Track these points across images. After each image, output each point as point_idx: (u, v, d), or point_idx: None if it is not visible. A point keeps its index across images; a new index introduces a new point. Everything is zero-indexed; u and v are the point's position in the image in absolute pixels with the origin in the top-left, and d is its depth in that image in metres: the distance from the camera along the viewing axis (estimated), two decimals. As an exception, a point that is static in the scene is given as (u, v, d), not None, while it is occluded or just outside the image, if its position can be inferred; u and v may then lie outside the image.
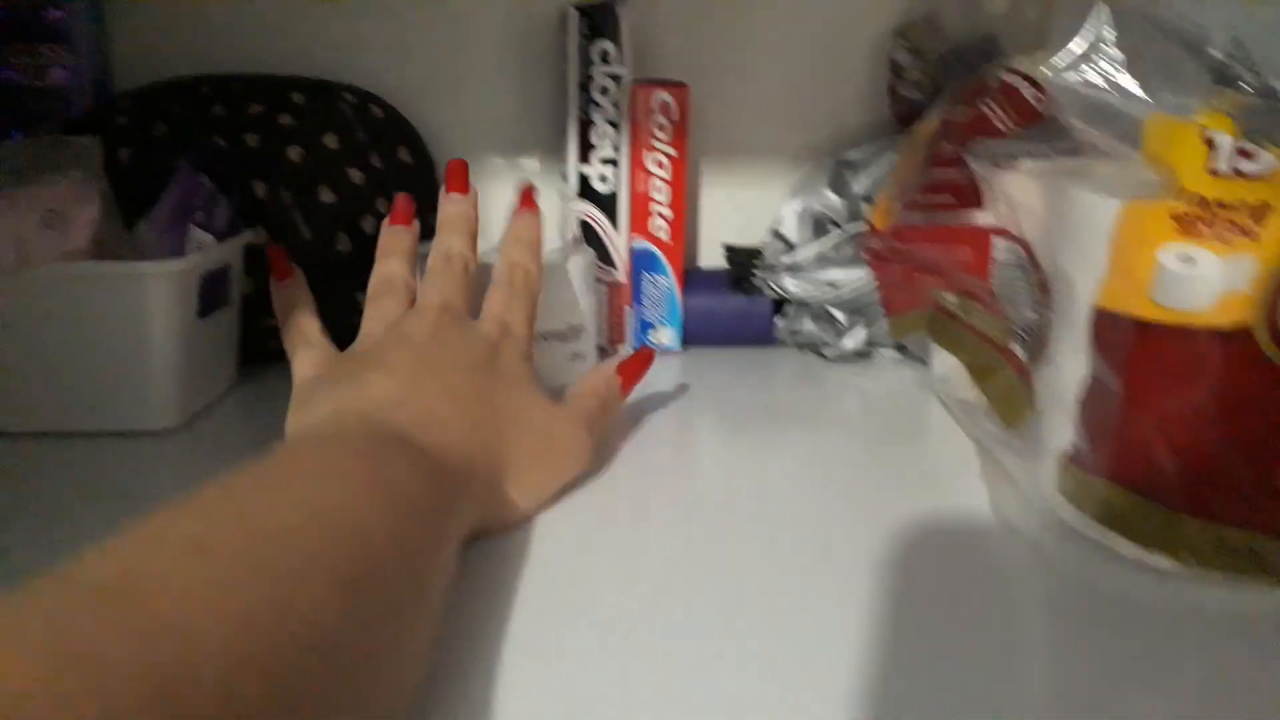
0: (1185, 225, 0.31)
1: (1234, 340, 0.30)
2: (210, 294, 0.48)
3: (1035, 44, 0.44)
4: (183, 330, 0.46)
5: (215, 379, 0.51)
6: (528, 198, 0.49)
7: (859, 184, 0.62)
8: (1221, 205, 0.30)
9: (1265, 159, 0.30)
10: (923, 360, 0.60)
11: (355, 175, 0.57)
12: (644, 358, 0.48)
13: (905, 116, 0.62)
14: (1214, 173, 0.31)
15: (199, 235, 0.46)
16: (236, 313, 0.53)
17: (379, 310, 0.43)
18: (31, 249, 0.43)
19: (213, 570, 0.22)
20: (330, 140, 0.57)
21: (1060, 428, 0.36)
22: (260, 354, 0.56)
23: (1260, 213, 0.30)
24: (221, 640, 0.20)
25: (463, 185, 0.47)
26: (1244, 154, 0.31)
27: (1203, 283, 0.30)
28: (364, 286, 0.54)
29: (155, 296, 0.44)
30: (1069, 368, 0.35)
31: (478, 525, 0.36)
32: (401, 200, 0.47)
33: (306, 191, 0.56)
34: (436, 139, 0.64)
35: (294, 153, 0.56)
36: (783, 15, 0.65)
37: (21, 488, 0.40)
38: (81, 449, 0.44)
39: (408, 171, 0.60)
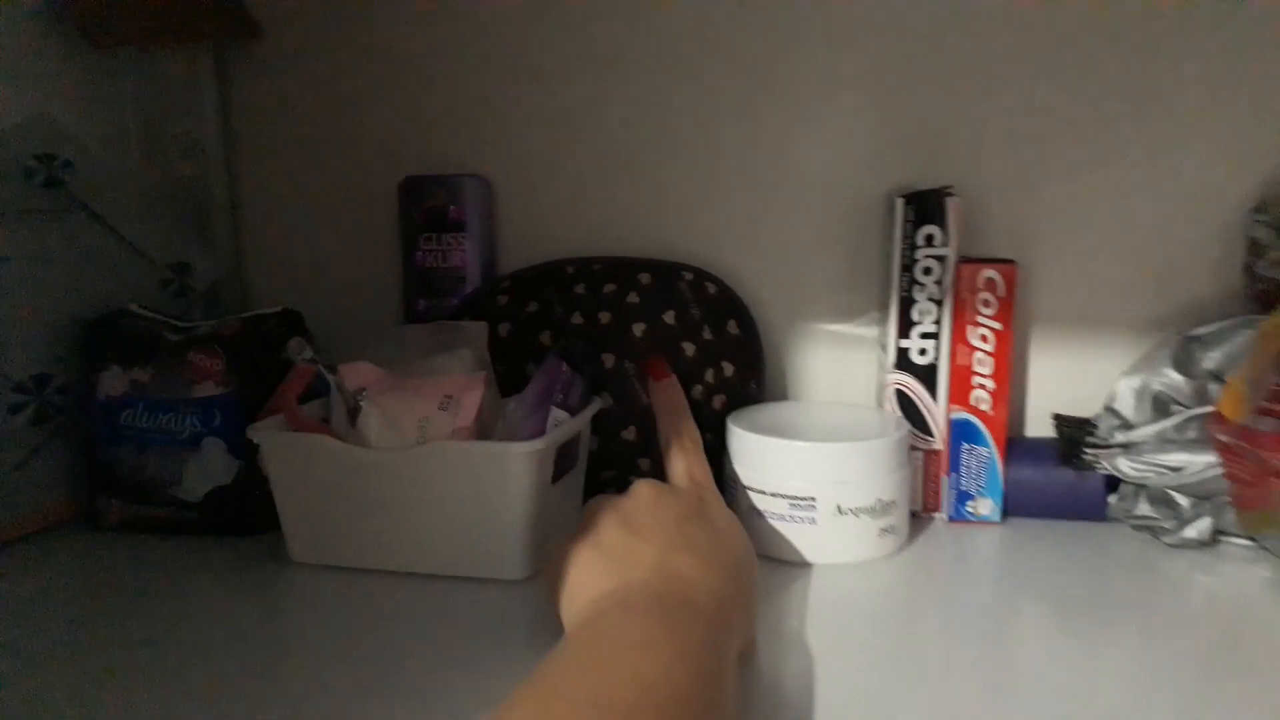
0: None
1: None
2: (563, 461, 0.56)
3: None
4: (538, 496, 0.53)
5: (561, 531, 0.59)
6: (660, 369, 0.58)
7: (1208, 361, 0.59)
8: None
9: None
10: (1278, 557, 0.55)
11: (689, 348, 0.64)
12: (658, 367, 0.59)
13: (1265, 297, 0.58)
14: None
15: (558, 414, 0.54)
16: (583, 471, 0.61)
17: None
18: (431, 428, 0.53)
19: None
20: (669, 317, 0.64)
21: None
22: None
23: None
24: None
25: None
26: None
27: None
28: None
29: (519, 470, 0.52)
30: None
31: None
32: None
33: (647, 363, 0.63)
34: (763, 311, 0.69)
35: (638, 329, 0.63)
36: (1122, 187, 0.64)
37: (390, 616, 0.49)
38: (442, 589, 0.53)
39: (735, 343, 0.65)
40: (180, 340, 0.62)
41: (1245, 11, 0.61)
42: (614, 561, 0.43)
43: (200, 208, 0.75)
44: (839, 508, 0.55)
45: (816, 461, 0.55)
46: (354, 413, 0.54)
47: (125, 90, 0.69)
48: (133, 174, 0.69)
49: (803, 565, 0.56)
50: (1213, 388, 0.58)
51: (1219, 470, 0.55)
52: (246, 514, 0.61)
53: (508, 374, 0.64)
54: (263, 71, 0.75)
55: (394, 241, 0.74)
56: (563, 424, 0.54)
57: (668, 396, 0.58)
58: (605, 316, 0.64)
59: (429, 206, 0.70)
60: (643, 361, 0.63)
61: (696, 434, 0.55)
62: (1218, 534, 0.58)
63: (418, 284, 0.71)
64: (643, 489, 0.48)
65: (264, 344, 0.62)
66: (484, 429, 0.55)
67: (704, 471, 0.52)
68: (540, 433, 0.53)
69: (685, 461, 0.52)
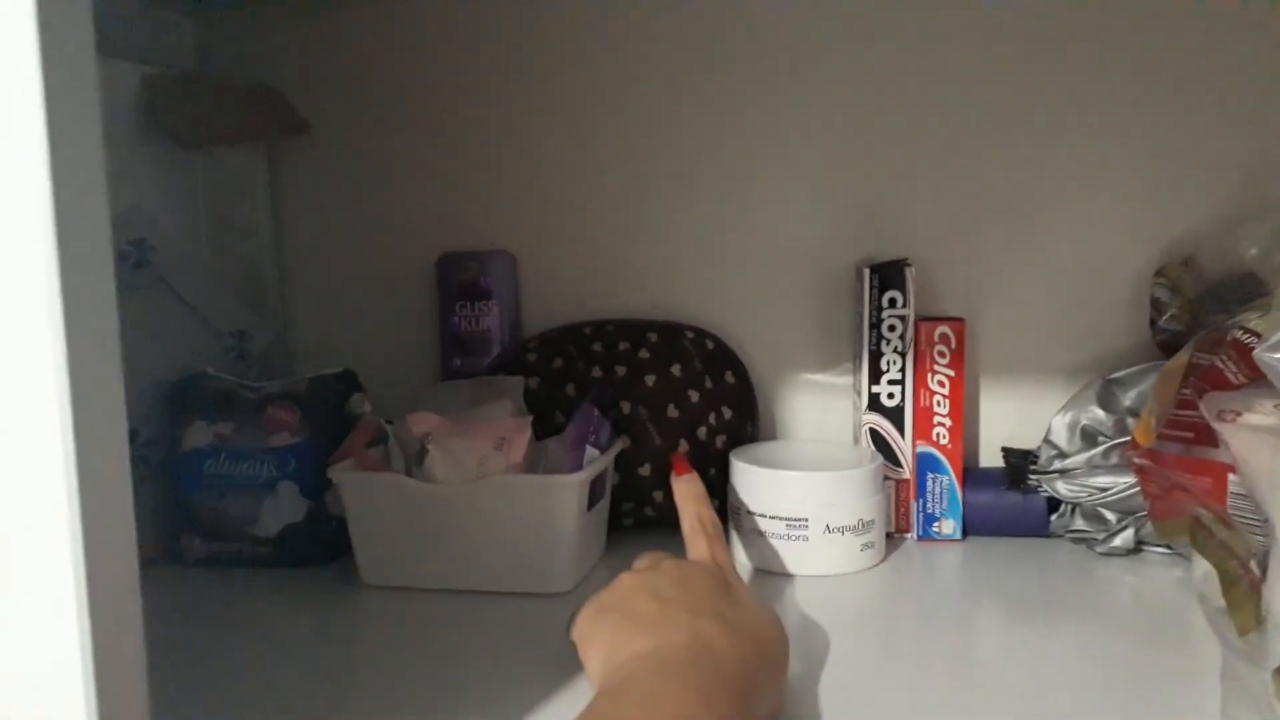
0: (1359, 494, 0.39)
1: (1407, 589, 0.38)
2: (595, 492, 0.66)
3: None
4: (578, 520, 0.63)
5: (593, 552, 0.69)
6: (681, 465, 0.63)
7: (1125, 400, 0.71)
8: (1388, 480, 0.39)
9: None
10: (1189, 560, 0.66)
11: (693, 395, 0.74)
12: (679, 465, 0.63)
13: (1166, 345, 0.70)
14: (1383, 453, 0.39)
15: (591, 452, 0.65)
16: (608, 502, 0.71)
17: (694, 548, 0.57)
18: (488, 464, 0.63)
19: None
20: (675, 369, 0.75)
21: (1276, 643, 0.44)
22: (618, 528, 0.73)
23: None
24: None
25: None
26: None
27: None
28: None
29: (563, 499, 0.62)
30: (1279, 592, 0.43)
31: None
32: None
33: (658, 409, 0.74)
34: (755, 363, 0.80)
35: (650, 379, 0.74)
36: (1051, 256, 0.77)
37: (455, 628, 0.59)
38: (498, 604, 0.62)
39: (732, 390, 0.76)
40: (256, 398, 0.72)
41: (1142, 111, 0.74)
42: (647, 624, 0.45)
43: (255, 282, 0.85)
44: (828, 527, 0.66)
45: (808, 488, 0.66)
46: (421, 454, 0.64)
47: (196, 183, 0.79)
48: (201, 255, 0.79)
49: (798, 577, 0.67)
50: (1130, 421, 0.69)
51: (1137, 489, 0.66)
52: (316, 546, 0.70)
53: (538, 421, 0.74)
54: (310, 162, 0.86)
55: (430, 309, 0.84)
56: (596, 460, 0.65)
57: (689, 489, 0.60)
58: (621, 370, 0.75)
59: (462, 279, 0.81)
60: (666, 457, 0.70)
61: (718, 521, 0.58)
62: (1140, 543, 0.69)
63: (453, 346, 0.82)
64: (668, 564, 0.51)
65: (330, 399, 0.72)
66: (526, 467, 0.66)
67: (725, 555, 0.55)
68: (579, 468, 0.63)
69: (708, 545, 0.55)
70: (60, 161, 0.30)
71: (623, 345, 0.76)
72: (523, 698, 0.50)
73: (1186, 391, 0.56)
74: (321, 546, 0.70)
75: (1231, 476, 0.51)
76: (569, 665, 0.51)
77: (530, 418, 0.66)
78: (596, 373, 0.75)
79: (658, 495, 0.73)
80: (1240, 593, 0.51)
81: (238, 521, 0.70)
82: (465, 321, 0.81)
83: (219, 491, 0.70)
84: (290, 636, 0.60)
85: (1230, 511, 0.52)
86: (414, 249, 0.85)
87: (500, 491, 0.62)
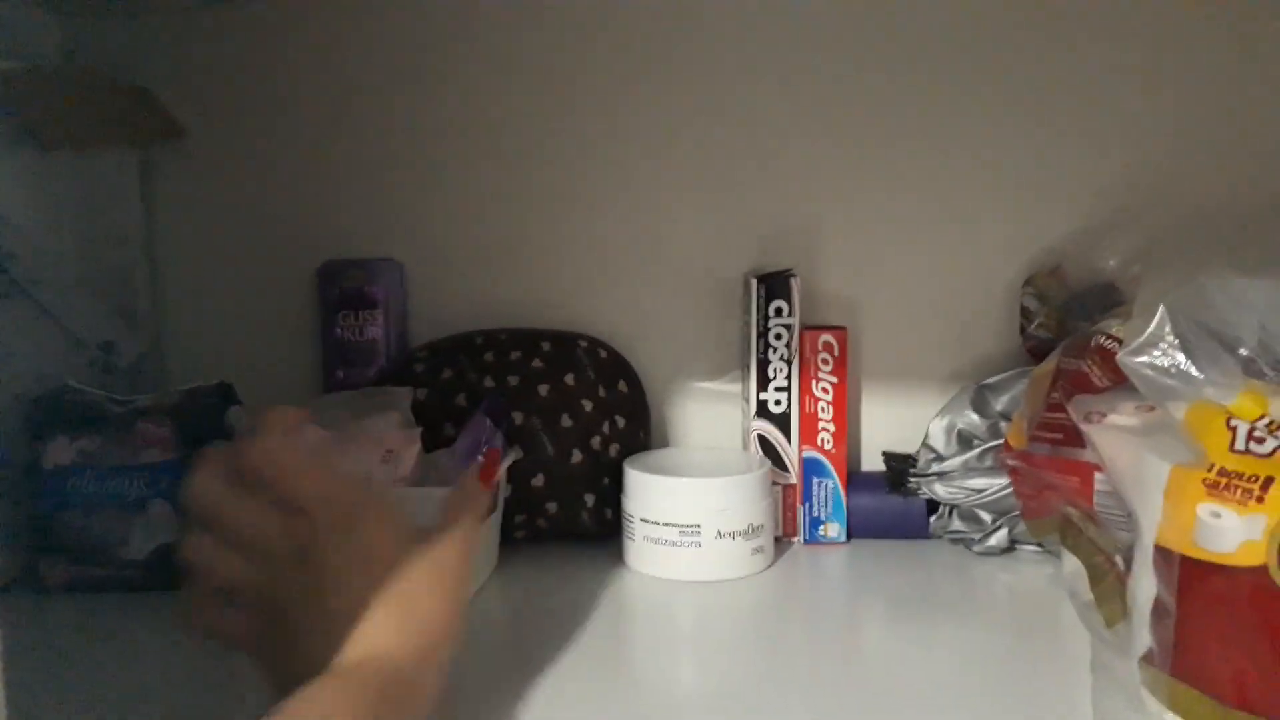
0: (1214, 489, 0.42)
1: (1256, 575, 0.41)
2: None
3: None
4: (470, 534, 0.62)
5: (485, 565, 0.68)
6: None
7: (998, 405, 0.74)
8: (1239, 476, 0.41)
9: (1270, 443, 0.41)
10: (1059, 557, 0.69)
11: (587, 405, 0.74)
12: (491, 462, 0.57)
13: (1035, 351, 0.74)
14: (1234, 450, 0.42)
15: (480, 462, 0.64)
16: (501, 514, 0.70)
17: None
18: (375, 479, 0.61)
19: None
20: (569, 379, 0.75)
21: (1141, 632, 0.46)
22: (510, 540, 0.73)
23: (1266, 483, 0.41)
24: None
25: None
26: (1255, 438, 0.42)
27: (1228, 532, 0.41)
28: (592, 489, 0.71)
29: (455, 511, 0.61)
30: (1144, 585, 0.46)
31: None
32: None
33: (552, 418, 0.73)
34: (648, 372, 0.81)
35: (543, 389, 0.74)
36: (928, 266, 0.80)
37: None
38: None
39: (625, 399, 0.77)
40: (125, 412, 0.68)
41: (1008, 127, 0.78)
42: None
43: (124, 292, 0.80)
44: (719, 532, 0.67)
45: (700, 495, 0.67)
46: (304, 468, 0.62)
47: (62, 185, 0.75)
48: (66, 261, 0.75)
49: (691, 582, 0.67)
50: (1003, 424, 0.73)
51: (1010, 490, 0.69)
52: (191, 567, 0.67)
53: (427, 434, 0.73)
54: (186, 166, 0.82)
55: (312, 319, 0.82)
56: (488, 471, 0.64)
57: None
58: (513, 380, 0.74)
59: (346, 287, 0.79)
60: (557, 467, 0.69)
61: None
62: (1014, 542, 0.72)
63: (336, 357, 0.79)
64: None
65: (206, 413, 0.69)
66: (415, 480, 0.64)
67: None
68: (470, 479, 0.62)
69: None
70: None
71: (515, 355, 0.75)
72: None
73: (1055, 395, 0.59)
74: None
75: (1098, 475, 0.54)
76: (461, 679, 0.50)
77: (419, 429, 0.65)
78: (488, 383, 0.74)
79: (551, 507, 0.73)
80: (1107, 586, 0.54)
81: (106, 543, 0.66)
82: (349, 331, 0.79)
83: (85, 511, 0.66)
84: (169, 664, 0.57)
85: (1096, 509, 0.55)
86: (295, 256, 0.82)
87: (389, 505, 0.60)
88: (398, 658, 0.40)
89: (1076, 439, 0.57)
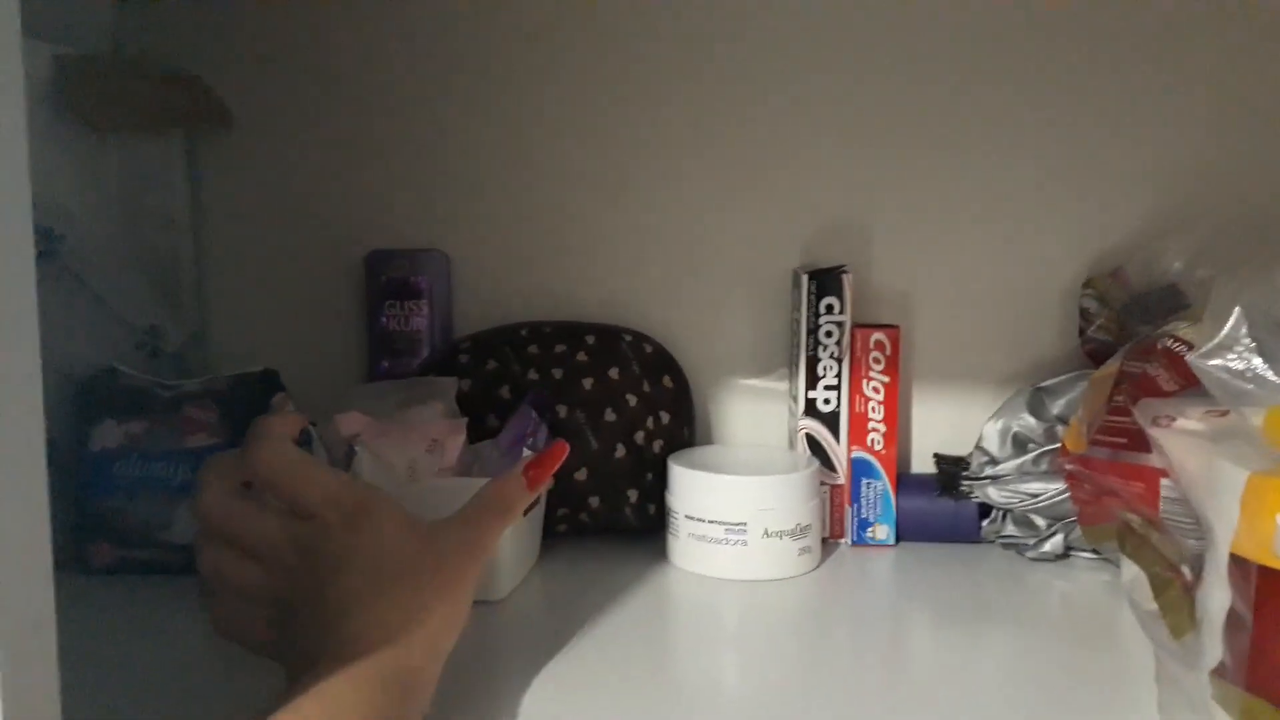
0: (1295, 496, 0.40)
1: (1340, 589, 0.39)
2: (531, 497, 0.64)
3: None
4: (514, 526, 0.61)
5: (527, 559, 0.67)
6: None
7: (1055, 408, 0.72)
8: (1323, 483, 0.39)
9: (1356, 449, 0.39)
10: (1116, 564, 0.67)
11: (631, 400, 0.73)
12: (554, 455, 0.52)
13: (1094, 354, 0.72)
14: (1317, 456, 0.40)
15: (528, 454, 0.63)
16: (543, 508, 0.69)
17: None
18: (419, 468, 0.61)
19: None
20: (613, 373, 0.74)
21: (1212, 644, 0.44)
22: (552, 534, 0.72)
23: (1353, 492, 0.39)
24: None
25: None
26: (1340, 444, 0.40)
27: (1311, 542, 0.39)
28: (635, 484, 0.70)
29: (499, 503, 0.60)
30: (1216, 596, 0.44)
31: None
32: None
33: (595, 413, 0.72)
34: (693, 368, 0.80)
35: (587, 383, 0.73)
36: (982, 265, 0.78)
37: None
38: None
39: (670, 395, 0.75)
40: (172, 397, 0.68)
41: (1073, 123, 0.76)
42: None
43: (170, 276, 0.81)
44: (766, 531, 0.66)
45: (747, 492, 0.66)
46: (348, 457, 0.61)
47: (109, 171, 0.75)
48: (113, 245, 0.75)
49: (736, 581, 0.66)
50: (1059, 428, 0.71)
51: (1067, 495, 0.67)
52: (234, 554, 0.67)
53: (470, 425, 0.72)
54: (234, 152, 0.82)
55: (358, 308, 0.82)
56: (533, 464, 0.63)
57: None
58: (557, 373, 0.73)
59: (392, 277, 0.79)
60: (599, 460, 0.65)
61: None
62: (1069, 549, 0.70)
63: (380, 346, 0.79)
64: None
65: (251, 399, 0.69)
66: (460, 471, 0.64)
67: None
68: (515, 471, 0.62)
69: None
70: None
71: (559, 348, 0.75)
72: (459, 706, 0.48)
73: (1119, 398, 0.57)
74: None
75: (1164, 481, 0.52)
76: (502, 673, 0.49)
77: (464, 420, 0.64)
78: (532, 375, 0.73)
79: (593, 501, 0.72)
80: (1173, 596, 0.52)
81: (150, 527, 0.66)
82: (394, 321, 0.79)
83: (129, 495, 0.66)
84: (207, 647, 0.56)
85: (1162, 515, 0.53)
86: (341, 245, 0.82)
87: (432, 496, 0.59)
88: (400, 652, 0.42)
89: (1141, 444, 0.55)
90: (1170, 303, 0.68)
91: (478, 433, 0.70)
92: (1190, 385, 0.52)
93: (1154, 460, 0.54)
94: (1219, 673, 0.44)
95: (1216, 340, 0.46)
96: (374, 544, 0.45)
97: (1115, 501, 0.61)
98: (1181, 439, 0.49)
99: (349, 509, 0.45)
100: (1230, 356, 0.45)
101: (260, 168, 0.82)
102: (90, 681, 0.51)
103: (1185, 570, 0.51)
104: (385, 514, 0.46)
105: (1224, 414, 0.48)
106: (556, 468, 0.52)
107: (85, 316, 0.72)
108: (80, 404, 0.68)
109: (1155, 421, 0.51)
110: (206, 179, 0.83)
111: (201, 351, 0.83)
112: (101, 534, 0.66)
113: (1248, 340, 0.46)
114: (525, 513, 0.63)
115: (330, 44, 0.81)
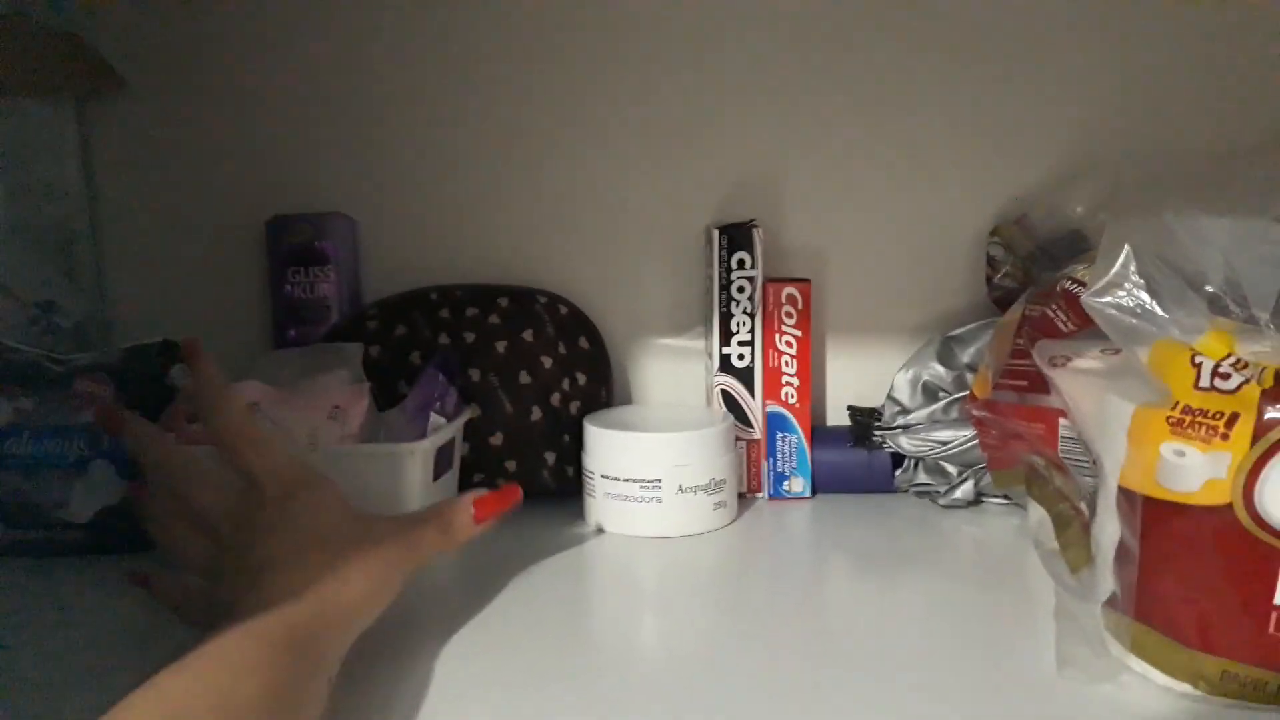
0: (1177, 427, 0.41)
1: (1220, 514, 0.40)
2: (441, 463, 0.63)
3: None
4: (423, 493, 0.60)
5: (440, 526, 0.66)
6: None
7: (964, 356, 0.73)
8: (1203, 413, 0.40)
9: (1235, 379, 0.40)
10: (1024, 509, 0.69)
11: (546, 361, 0.73)
12: (506, 497, 0.52)
13: (1001, 301, 0.72)
14: (1198, 388, 0.41)
15: (436, 419, 0.62)
16: (457, 473, 0.68)
17: None
18: (320, 435, 0.59)
19: None
20: (528, 335, 0.73)
21: (1104, 576, 0.45)
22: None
23: (1231, 420, 0.40)
24: None
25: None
26: (1219, 375, 0.41)
27: (1192, 471, 0.40)
28: (552, 447, 0.69)
29: (407, 469, 0.59)
30: (1107, 529, 0.45)
31: None
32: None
33: (510, 375, 0.71)
34: (610, 328, 0.79)
35: (501, 346, 0.72)
36: (891, 218, 0.78)
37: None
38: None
39: (586, 356, 0.75)
40: (63, 370, 0.65)
41: (971, 78, 0.76)
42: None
43: (64, 249, 0.77)
44: (680, 487, 0.66)
45: (661, 449, 0.66)
46: (250, 426, 0.59)
47: (-10, 136, 0.72)
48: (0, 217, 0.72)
49: (653, 539, 0.66)
50: (968, 376, 0.72)
51: (976, 442, 0.69)
52: (136, 531, 0.64)
53: (380, 392, 0.71)
54: (125, 117, 0.79)
55: (261, 276, 0.79)
56: (441, 428, 0.62)
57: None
58: (470, 336, 0.72)
59: (296, 242, 0.77)
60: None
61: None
62: (979, 495, 0.72)
63: (286, 314, 0.77)
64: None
65: (147, 372, 0.66)
66: (365, 438, 0.62)
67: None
68: (422, 436, 0.61)
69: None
70: None
71: (471, 311, 0.73)
72: (370, 670, 0.47)
73: (1020, 341, 0.58)
74: (142, 531, 0.65)
75: (1062, 421, 0.53)
76: (416, 637, 0.49)
77: (368, 385, 0.63)
78: (444, 340, 0.72)
79: (510, 465, 0.71)
80: (1073, 533, 0.53)
81: (45, 506, 0.64)
82: (300, 289, 0.77)
83: (21, 474, 0.64)
84: (110, 628, 0.54)
85: (1061, 455, 0.54)
86: (242, 212, 0.79)
87: (334, 463, 0.58)
88: (307, 613, 0.42)
89: (1042, 385, 0.56)
90: (1073, 248, 0.69)
91: (389, 400, 0.68)
92: (1086, 326, 0.53)
93: (1053, 401, 0.55)
94: (1111, 604, 0.45)
95: (1106, 279, 0.47)
96: (304, 513, 0.47)
97: (1020, 445, 0.62)
98: (1076, 378, 0.50)
99: (287, 482, 0.48)
100: (1120, 294, 0.46)
101: (154, 131, 0.79)
102: (-23, 665, 0.49)
103: (1084, 507, 0.52)
104: (324, 491, 0.49)
105: (1116, 352, 0.49)
106: (507, 509, 0.53)
107: (-31, 291, 0.69)
108: (-35, 381, 0.65)
109: (1052, 362, 0.52)
110: (99, 147, 0.80)
111: (102, 328, 0.80)
112: (-7, 515, 0.64)
113: (1136, 278, 0.46)
114: (436, 478, 0.62)
115: (225, 2, 0.78)
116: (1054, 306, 0.57)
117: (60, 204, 0.77)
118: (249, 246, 0.80)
